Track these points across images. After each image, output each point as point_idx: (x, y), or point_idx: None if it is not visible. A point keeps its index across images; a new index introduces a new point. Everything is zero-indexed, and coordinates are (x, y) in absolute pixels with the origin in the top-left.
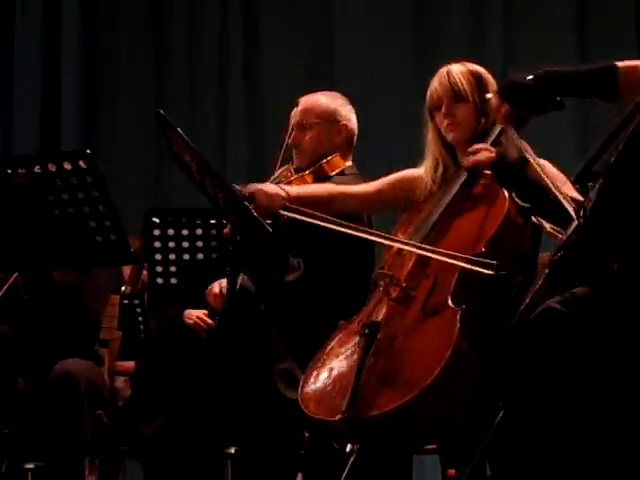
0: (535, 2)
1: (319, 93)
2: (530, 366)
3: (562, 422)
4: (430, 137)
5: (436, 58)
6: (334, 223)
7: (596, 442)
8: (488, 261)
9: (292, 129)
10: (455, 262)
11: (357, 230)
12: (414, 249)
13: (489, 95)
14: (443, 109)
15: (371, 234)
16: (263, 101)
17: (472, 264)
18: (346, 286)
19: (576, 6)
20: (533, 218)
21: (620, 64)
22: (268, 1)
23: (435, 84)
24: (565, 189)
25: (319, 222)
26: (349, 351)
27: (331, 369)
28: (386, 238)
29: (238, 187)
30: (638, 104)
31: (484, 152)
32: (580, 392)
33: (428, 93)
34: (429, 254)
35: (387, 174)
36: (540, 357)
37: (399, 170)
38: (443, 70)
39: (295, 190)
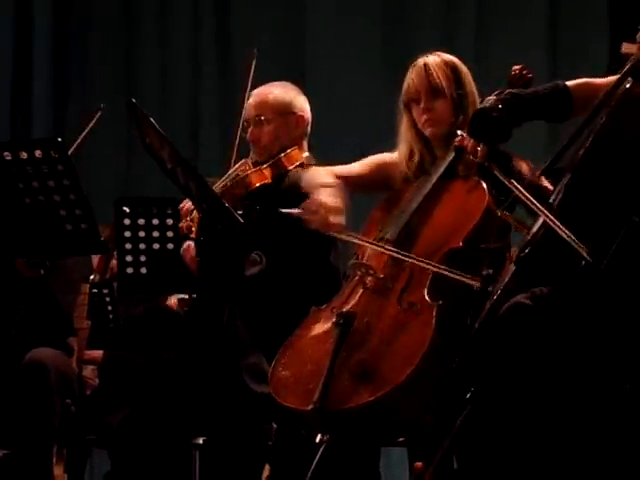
0: None
1: (272, 85)
2: (499, 361)
3: (530, 417)
4: (405, 127)
5: (407, 44)
6: None
7: (563, 437)
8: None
9: (247, 124)
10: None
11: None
12: (399, 256)
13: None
14: (422, 104)
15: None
16: (235, 85)
17: (459, 276)
18: (309, 274)
19: None
20: (499, 212)
21: (569, 84)
22: None
23: (412, 77)
24: None
25: None
26: (322, 338)
27: (303, 356)
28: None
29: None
30: (602, 99)
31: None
32: (548, 387)
33: (405, 85)
34: (407, 259)
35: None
36: (509, 352)
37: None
38: (420, 62)
39: None
